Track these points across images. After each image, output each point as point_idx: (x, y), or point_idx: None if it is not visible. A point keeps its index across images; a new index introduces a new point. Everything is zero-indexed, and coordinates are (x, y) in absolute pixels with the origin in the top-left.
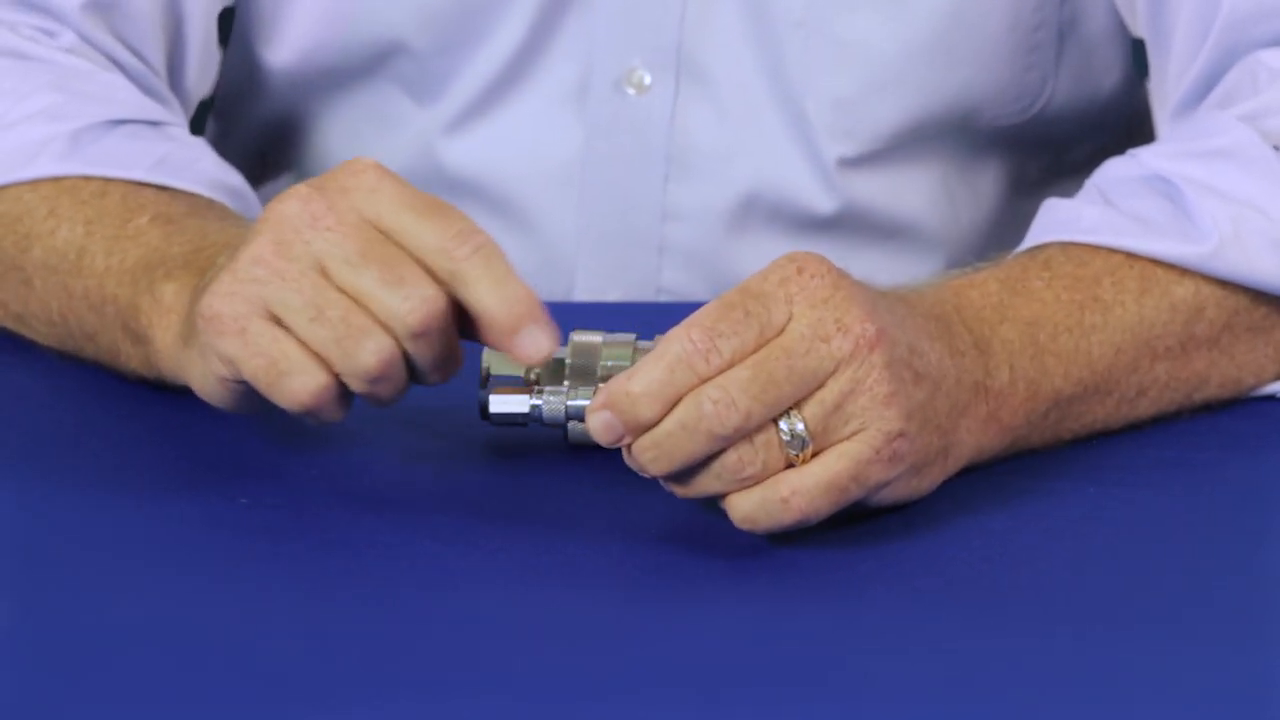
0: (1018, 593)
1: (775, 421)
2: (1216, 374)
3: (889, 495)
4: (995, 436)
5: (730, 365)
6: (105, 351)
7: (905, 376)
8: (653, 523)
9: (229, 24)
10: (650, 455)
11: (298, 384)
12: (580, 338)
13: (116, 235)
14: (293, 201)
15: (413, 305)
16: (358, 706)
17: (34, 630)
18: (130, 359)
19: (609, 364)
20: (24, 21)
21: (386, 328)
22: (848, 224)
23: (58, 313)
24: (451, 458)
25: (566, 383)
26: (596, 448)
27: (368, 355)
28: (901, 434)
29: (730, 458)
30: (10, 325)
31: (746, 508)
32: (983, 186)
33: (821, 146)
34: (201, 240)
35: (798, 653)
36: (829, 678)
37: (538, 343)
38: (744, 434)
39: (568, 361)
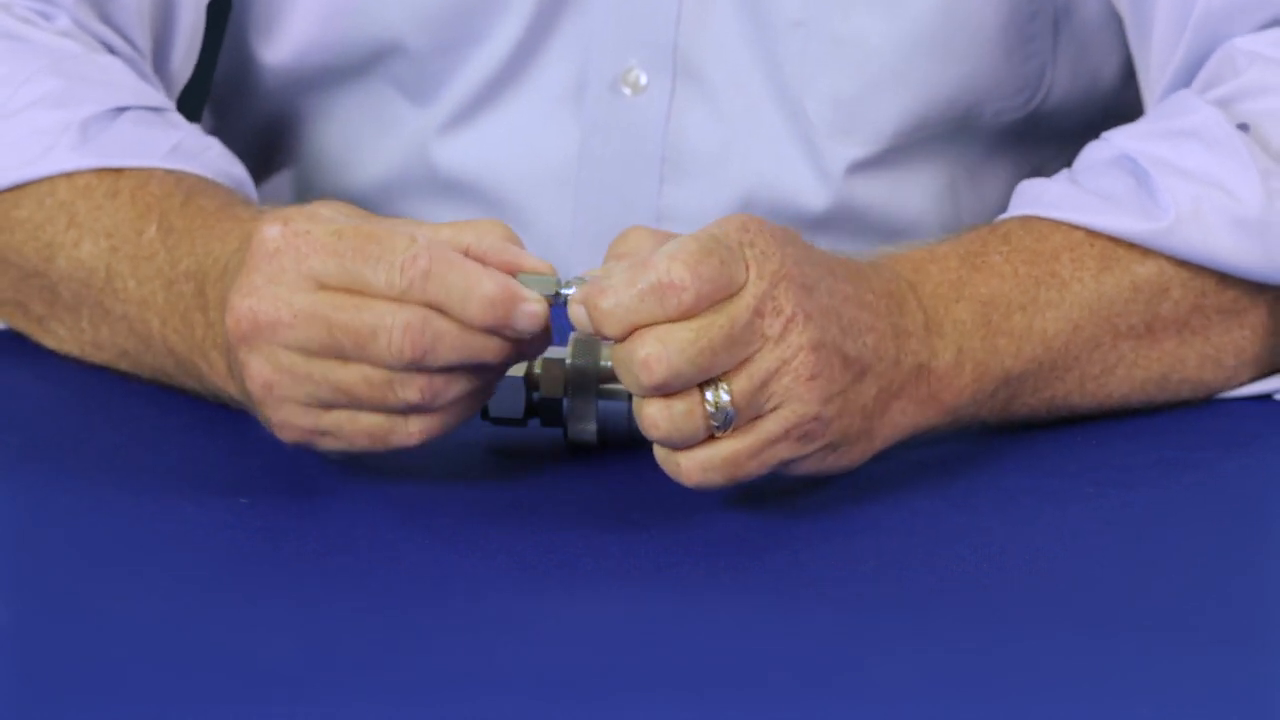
0: (1017, 592)
1: (702, 390)
2: (1193, 355)
3: (803, 469)
4: (935, 415)
5: (690, 312)
6: (147, 368)
7: (833, 361)
8: (652, 523)
9: (215, 15)
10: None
11: (402, 436)
12: (580, 337)
13: (136, 256)
14: (244, 317)
15: (395, 344)
16: (357, 706)
17: (34, 630)
18: (189, 386)
19: (608, 363)
20: (20, 3)
21: (397, 369)
22: (845, 225)
23: (88, 322)
24: (451, 458)
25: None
26: (596, 448)
27: (410, 393)
28: (816, 417)
29: (650, 410)
30: (28, 328)
31: (657, 456)
32: (989, 191)
33: (822, 146)
34: (199, 265)
35: (797, 652)
36: (829, 677)
37: (532, 318)
38: (668, 391)
39: (567, 361)
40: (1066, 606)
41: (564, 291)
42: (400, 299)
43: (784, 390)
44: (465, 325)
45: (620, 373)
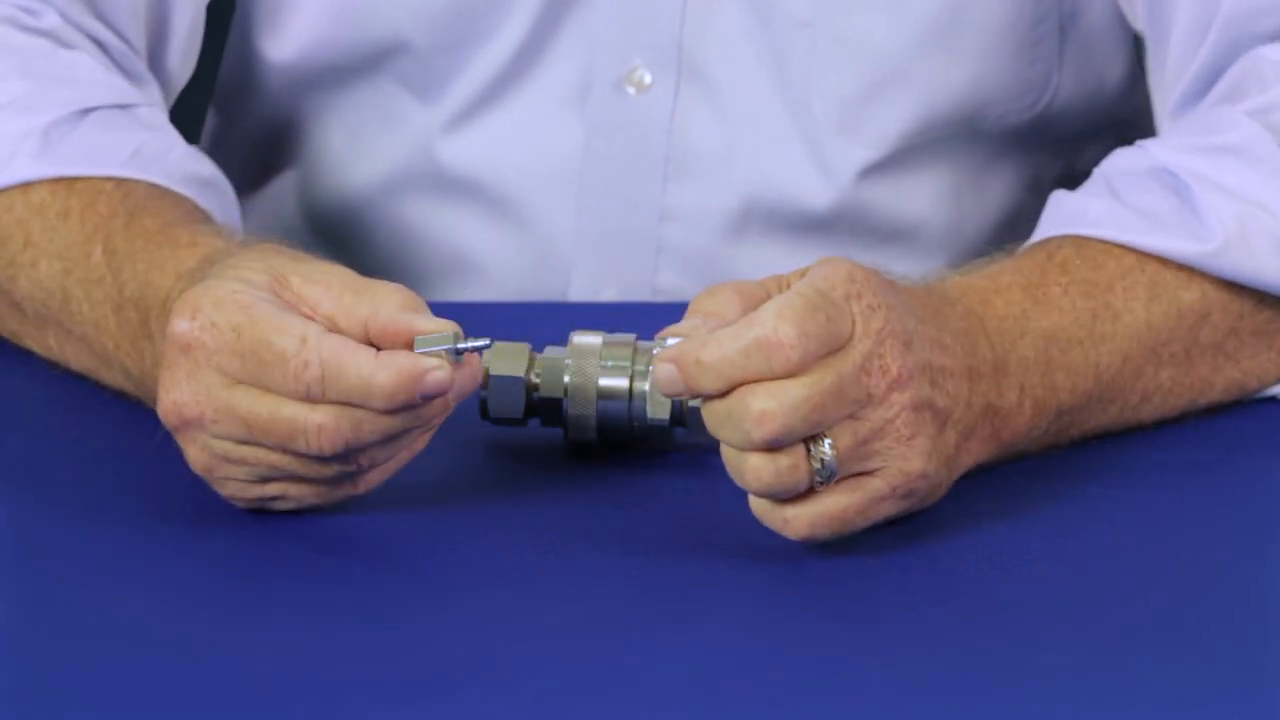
0: (1019, 594)
1: (806, 444)
2: (1221, 379)
3: (893, 515)
4: (993, 451)
5: (797, 370)
6: (109, 386)
7: (927, 416)
8: (653, 523)
9: (218, 14)
10: (703, 419)
11: (348, 490)
12: (580, 338)
13: (87, 279)
14: (171, 413)
15: (315, 443)
16: (357, 706)
17: (34, 632)
18: (148, 404)
19: (609, 364)
20: (6, 0)
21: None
22: (847, 227)
23: (54, 340)
24: (451, 458)
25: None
26: (596, 448)
27: (346, 466)
28: (922, 474)
29: (755, 462)
30: (10, 338)
31: (756, 509)
32: (991, 194)
33: (827, 146)
34: (141, 294)
35: (798, 652)
36: (829, 678)
37: (438, 384)
38: (777, 446)
39: (567, 362)
40: (1068, 607)
41: (462, 346)
42: (308, 400)
43: (885, 449)
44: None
45: (719, 425)
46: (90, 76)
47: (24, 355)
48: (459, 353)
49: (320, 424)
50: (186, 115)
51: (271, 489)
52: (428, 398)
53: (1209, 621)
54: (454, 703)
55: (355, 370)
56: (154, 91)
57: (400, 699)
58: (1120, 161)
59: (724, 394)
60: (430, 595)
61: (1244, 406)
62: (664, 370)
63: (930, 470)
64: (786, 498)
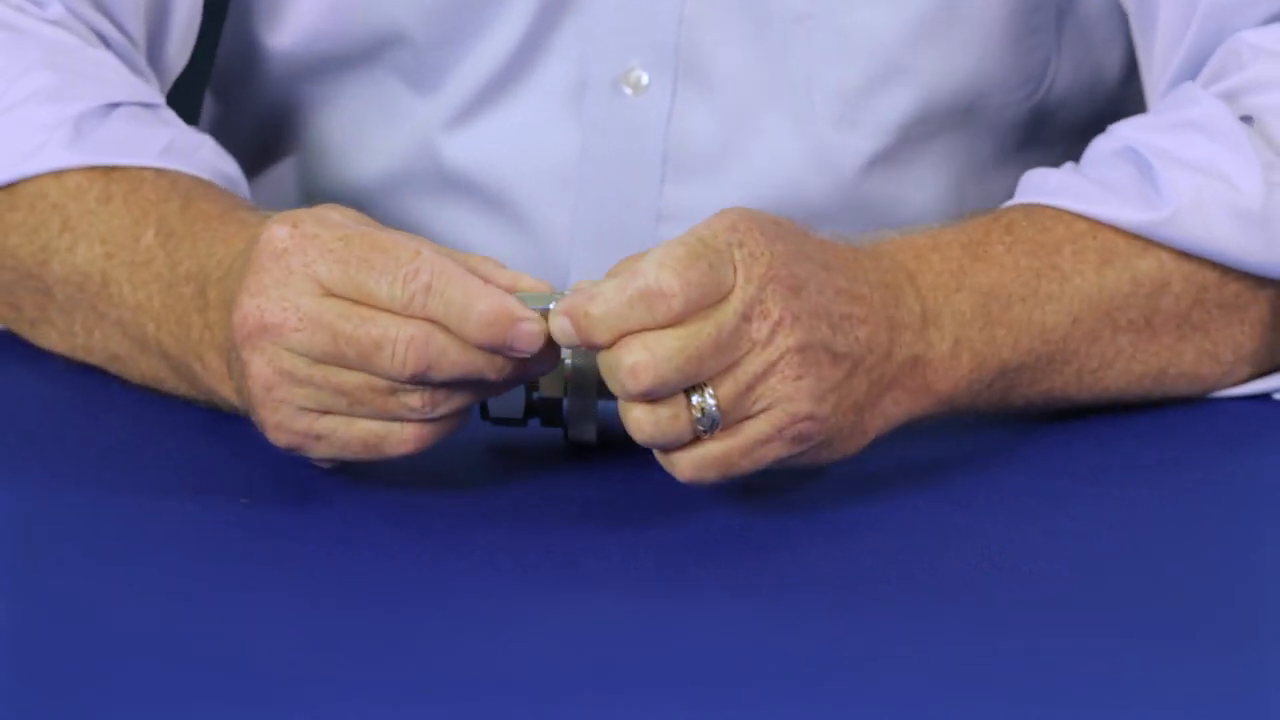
0: (1017, 592)
1: (688, 394)
2: (1191, 349)
3: (798, 464)
4: (929, 404)
5: (679, 319)
6: (136, 373)
7: (821, 359)
8: (652, 522)
9: (215, 3)
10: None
11: (395, 444)
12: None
13: (133, 262)
14: (251, 317)
15: (399, 358)
16: (357, 705)
17: (33, 630)
18: (181, 391)
19: None
20: None
21: (399, 382)
22: (849, 220)
23: (81, 325)
24: (451, 457)
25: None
26: (596, 448)
27: (412, 400)
28: (809, 416)
29: (635, 414)
30: (21, 329)
31: (655, 452)
32: (994, 187)
33: (827, 140)
34: (200, 267)
35: (797, 652)
36: (828, 677)
37: (529, 337)
38: (654, 397)
39: (567, 361)
40: (1066, 607)
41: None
42: (404, 312)
43: (771, 392)
44: (466, 343)
45: (607, 377)
46: (115, 75)
47: (23, 355)
48: None
49: (411, 335)
50: (182, 99)
51: (323, 424)
52: (512, 349)
53: (1207, 621)
54: (453, 701)
55: (463, 287)
56: (158, 87)
57: (399, 698)
58: (1093, 146)
59: (613, 344)
60: (429, 594)
61: (1241, 405)
62: (559, 324)
63: (820, 413)
64: (673, 447)
